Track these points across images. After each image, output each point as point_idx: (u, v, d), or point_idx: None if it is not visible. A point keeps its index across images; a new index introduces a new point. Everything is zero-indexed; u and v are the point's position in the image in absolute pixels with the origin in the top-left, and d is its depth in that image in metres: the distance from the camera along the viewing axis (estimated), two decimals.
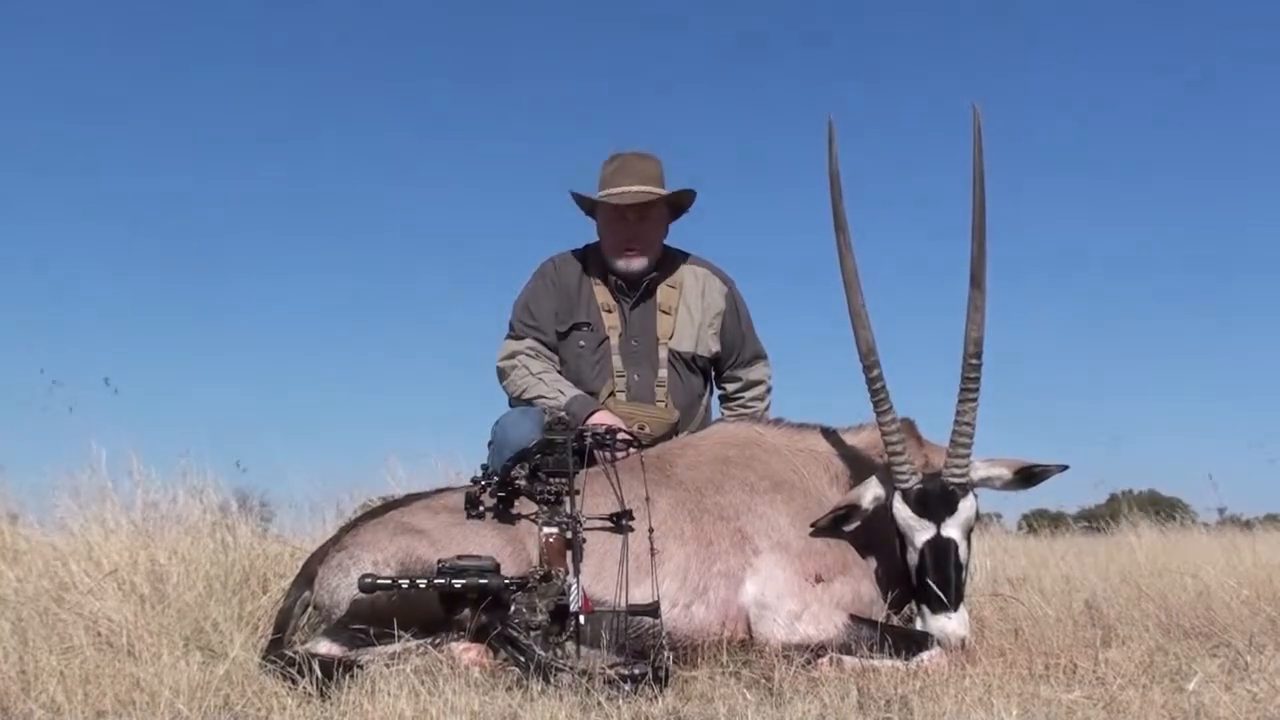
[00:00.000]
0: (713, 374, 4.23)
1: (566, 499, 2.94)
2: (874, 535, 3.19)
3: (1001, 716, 2.28)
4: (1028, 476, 3.21)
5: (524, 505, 3.03)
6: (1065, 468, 3.25)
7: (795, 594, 3.04)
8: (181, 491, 4.15)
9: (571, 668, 2.63)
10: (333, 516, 4.41)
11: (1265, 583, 4.09)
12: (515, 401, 3.99)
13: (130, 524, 3.89)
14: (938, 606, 2.99)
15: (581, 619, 2.77)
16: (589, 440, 3.23)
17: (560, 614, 2.78)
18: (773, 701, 2.55)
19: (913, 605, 3.15)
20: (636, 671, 2.60)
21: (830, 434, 3.51)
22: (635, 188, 3.95)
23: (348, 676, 2.58)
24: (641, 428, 3.76)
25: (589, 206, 4.14)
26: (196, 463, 4.30)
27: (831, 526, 3.15)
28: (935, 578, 3.00)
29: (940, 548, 3.03)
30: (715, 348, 4.12)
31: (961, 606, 3.01)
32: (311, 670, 2.55)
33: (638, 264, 4.00)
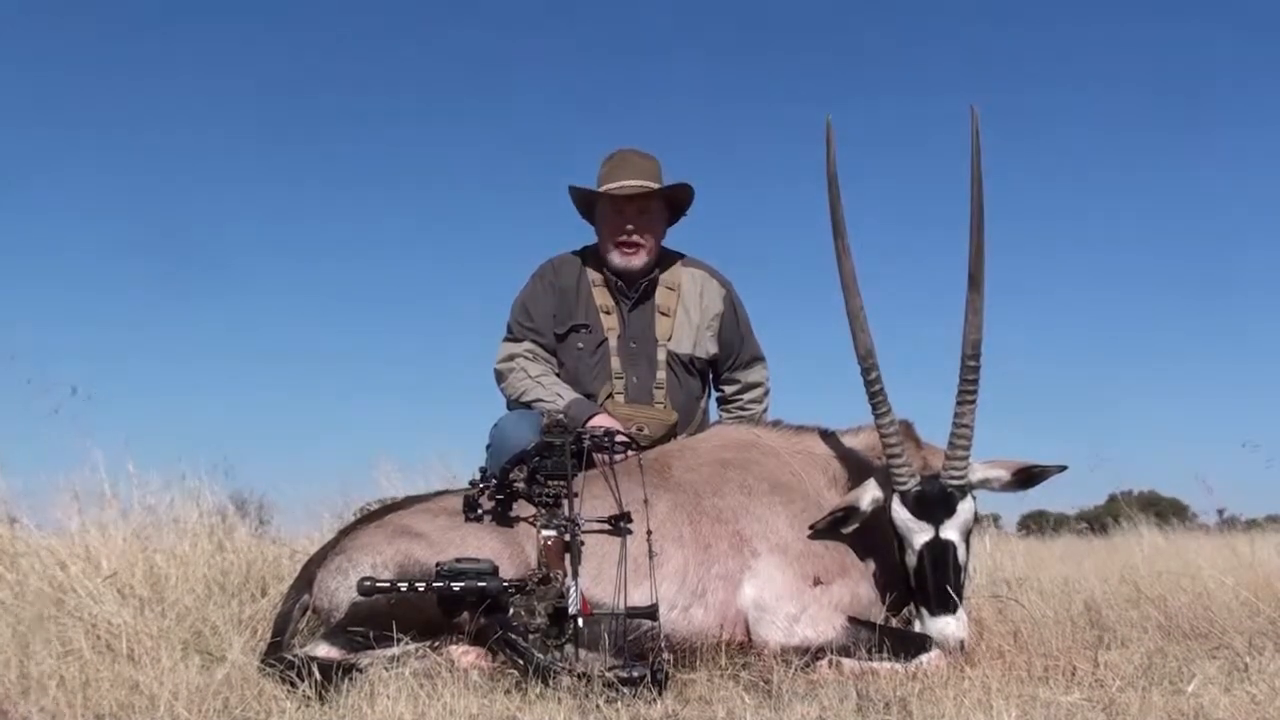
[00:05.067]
0: (711, 376, 4.23)
1: (565, 501, 2.94)
2: (873, 537, 3.19)
3: (1001, 719, 2.28)
4: (1027, 478, 3.20)
5: (522, 508, 3.03)
6: (1064, 468, 3.25)
7: (794, 596, 3.03)
8: (179, 494, 4.15)
9: (570, 670, 2.63)
10: (330, 519, 4.40)
11: (1265, 584, 4.08)
12: (513, 404, 3.99)
13: (128, 527, 3.88)
14: (937, 608, 2.99)
15: (580, 622, 2.77)
16: (587, 443, 3.23)
17: (559, 617, 2.78)
18: (771, 704, 2.56)
19: (911, 607, 3.15)
20: (635, 674, 2.60)
21: (828, 436, 3.51)
22: (635, 181, 3.95)
23: (347, 680, 2.58)
24: (640, 429, 3.76)
25: (587, 205, 4.14)
26: (192, 466, 4.30)
27: (830, 529, 3.15)
28: (934, 580, 3.00)
29: (939, 549, 3.03)
30: (713, 350, 4.12)
31: (960, 608, 3.01)
32: (310, 673, 2.55)
33: (636, 261, 4.00)
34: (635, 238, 3.97)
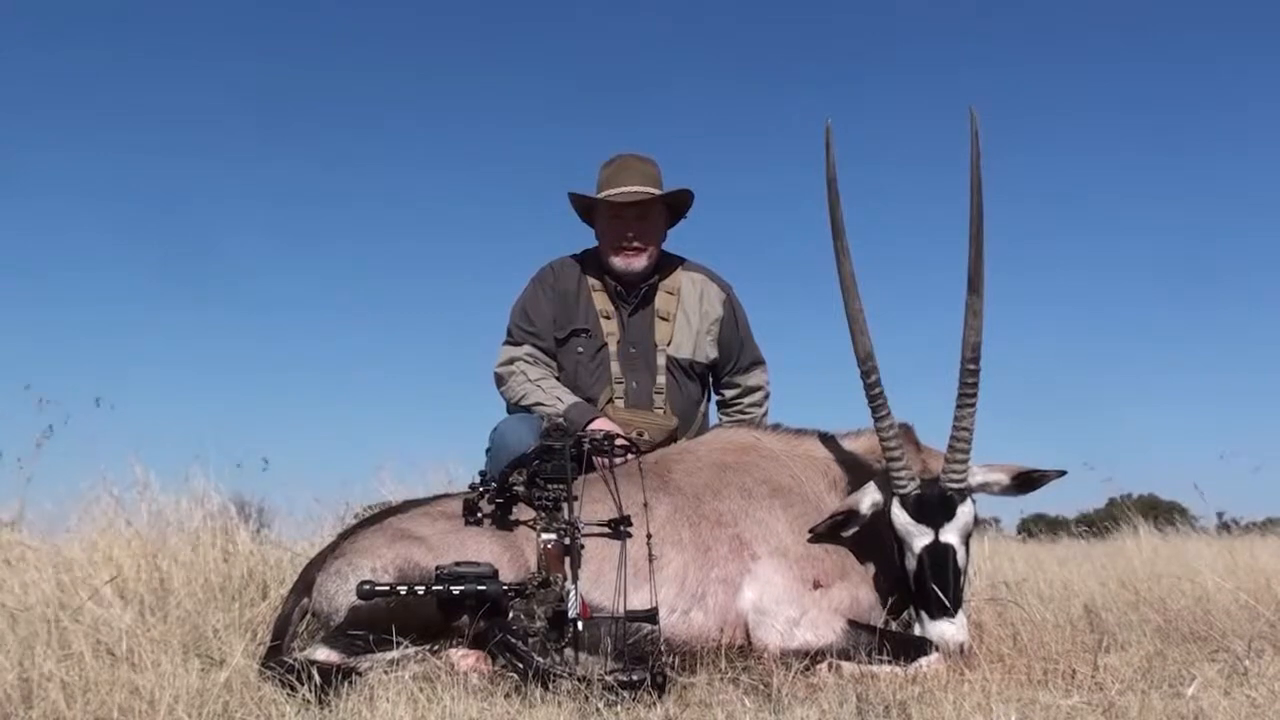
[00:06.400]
0: (711, 380, 4.23)
1: (565, 505, 2.94)
2: (872, 541, 3.19)
3: None
4: (1026, 481, 3.20)
5: (522, 511, 3.03)
6: (1063, 473, 3.25)
7: (793, 600, 3.04)
8: (185, 498, 4.16)
9: (570, 674, 2.63)
10: (331, 523, 4.40)
11: (1264, 587, 4.09)
12: (513, 408, 3.99)
13: (135, 531, 3.89)
14: (936, 612, 2.99)
15: (580, 625, 2.77)
16: (587, 446, 3.23)
17: (558, 620, 2.78)
18: (771, 707, 2.56)
19: (911, 610, 3.15)
20: (635, 678, 2.60)
21: (828, 439, 3.51)
22: (635, 187, 3.96)
23: (346, 683, 2.58)
24: (640, 434, 3.76)
25: (587, 210, 4.15)
26: (198, 469, 4.31)
27: (830, 532, 3.15)
28: (934, 583, 3.00)
29: (938, 553, 3.03)
30: (713, 354, 4.12)
31: (960, 612, 3.01)
32: (310, 677, 2.55)
33: (637, 264, 4.00)
34: (636, 244, 3.98)
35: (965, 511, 3.08)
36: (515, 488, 3.02)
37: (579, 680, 2.59)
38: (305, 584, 3.03)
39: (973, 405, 3.05)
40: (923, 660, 2.90)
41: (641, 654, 2.85)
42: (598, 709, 2.47)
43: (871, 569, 3.23)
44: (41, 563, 3.62)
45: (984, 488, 3.19)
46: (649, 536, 2.97)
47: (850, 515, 3.15)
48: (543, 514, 2.92)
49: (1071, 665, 2.85)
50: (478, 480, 3.08)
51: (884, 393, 3.13)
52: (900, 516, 3.08)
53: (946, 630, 2.96)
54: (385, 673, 2.63)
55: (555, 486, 2.98)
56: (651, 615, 2.86)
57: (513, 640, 2.72)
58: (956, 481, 3.06)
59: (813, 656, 2.95)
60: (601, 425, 3.65)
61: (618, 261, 4.00)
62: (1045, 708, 2.45)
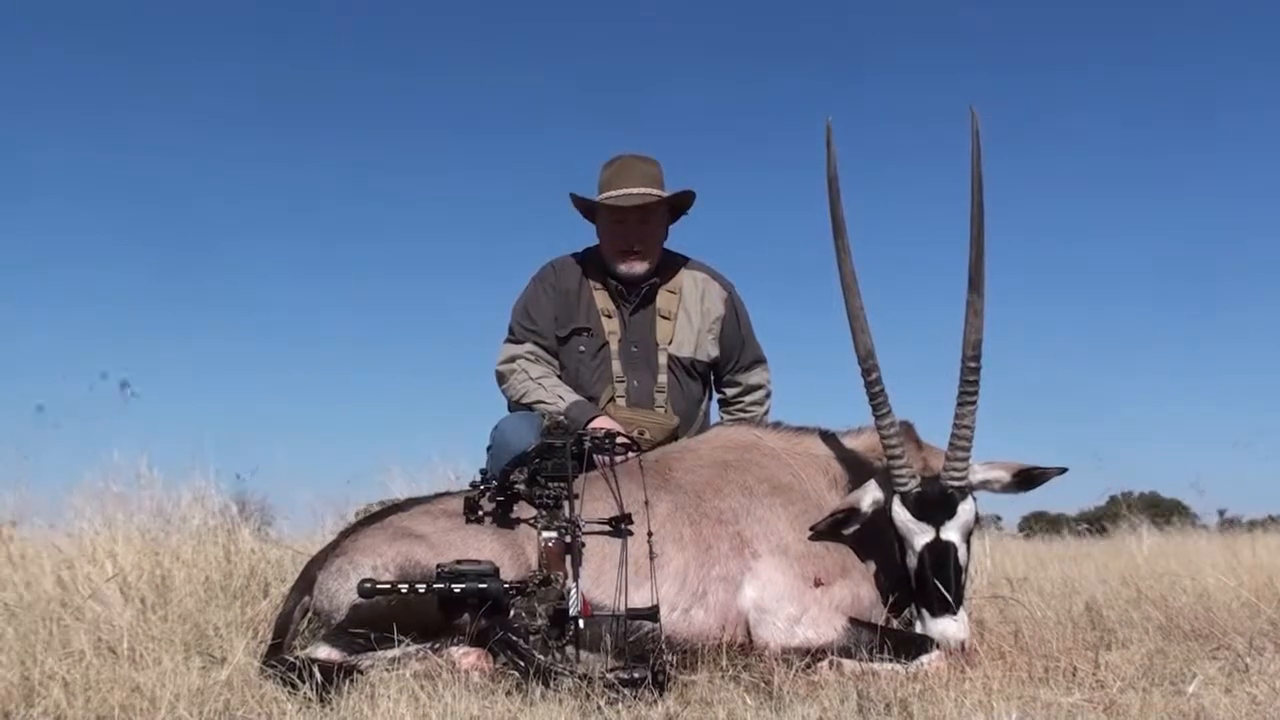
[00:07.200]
0: (712, 379, 4.23)
1: (565, 503, 2.94)
2: (873, 538, 3.19)
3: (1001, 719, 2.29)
4: (1027, 479, 3.20)
5: (523, 510, 3.03)
6: (1064, 470, 3.25)
7: (794, 598, 3.04)
8: (187, 495, 4.17)
9: (571, 672, 2.64)
10: (332, 521, 4.41)
11: (1265, 585, 4.09)
12: (514, 406, 3.99)
13: (137, 529, 3.90)
14: (937, 610, 2.99)
15: (581, 623, 2.77)
16: (588, 444, 3.23)
17: (559, 618, 2.78)
18: (772, 705, 2.56)
19: (912, 608, 3.15)
20: (636, 675, 2.60)
21: (829, 437, 3.51)
22: (636, 189, 3.95)
23: (348, 681, 2.58)
24: (641, 433, 3.76)
25: (588, 209, 4.14)
26: (201, 468, 4.32)
27: (830, 530, 3.15)
28: (934, 581, 3.00)
29: (939, 551, 3.03)
30: (714, 353, 4.12)
31: (961, 609, 3.01)
32: (312, 675, 2.55)
33: (639, 268, 4.00)
34: (637, 248, 3.98)
35: (966, 509, 3.08)
36: (516, 486, 3.02)
37: (580, 678, 2.59)
38: (306, 582, 3.03)
39: (974, 403, 3.05)
40: (924, 658, 2.90)
41: (642, 652, 2.85)
42: (599, 707, 2.47)
43: (872, 567, 3.23)
44: (42, 560, 3.62)
45: (985, 485, 3.19)
46: (650, 534, 2.97)
47: (851, 513, 3.15)
48: (544, 512, 2.92)
49: (1073, 663, 2.85)
50: (479, 478, 3.07)
51: (885, 390, 3.13)
52: (901, 514, 3.08)
53: (948, 628, 2.96)
54: (386, 671, 2.63)
55: (556, 484, 2.97)
56: (652, 613, 2.86)
57: (514, 638, 2.72)
58: (957, 479, 3.06)
59: (814, 654, 2.95)
60: (602, 423, 3.65)
61: (620, 265, 4.00)
62: (1046, 705, 2.45)
